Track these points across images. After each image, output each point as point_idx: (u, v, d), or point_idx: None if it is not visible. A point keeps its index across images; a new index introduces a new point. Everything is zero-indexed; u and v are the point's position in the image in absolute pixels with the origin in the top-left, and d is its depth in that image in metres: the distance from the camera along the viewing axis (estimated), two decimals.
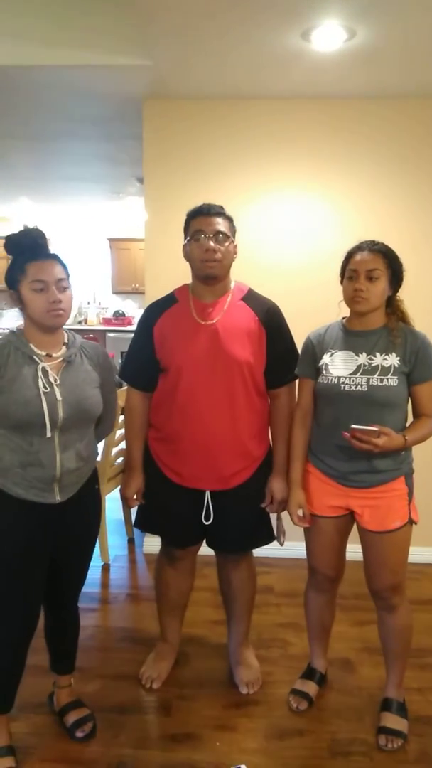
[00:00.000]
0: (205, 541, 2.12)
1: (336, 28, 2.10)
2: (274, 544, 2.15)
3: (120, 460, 3.23)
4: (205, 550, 2.14)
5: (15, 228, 1.72)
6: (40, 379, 1.63)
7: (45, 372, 1.65)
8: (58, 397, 1.65)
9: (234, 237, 1.94)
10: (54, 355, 1.69)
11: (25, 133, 3.71)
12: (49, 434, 1.64)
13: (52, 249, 1.72)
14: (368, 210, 2.95)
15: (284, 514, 2.13)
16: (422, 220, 2.95)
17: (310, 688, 2.16)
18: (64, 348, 1.73)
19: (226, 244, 1.88)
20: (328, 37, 2.17)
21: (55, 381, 1.66)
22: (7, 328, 7.36)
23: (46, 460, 1.66)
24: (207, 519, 2.00)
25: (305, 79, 2.62)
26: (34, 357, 1.66)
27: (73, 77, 2.63)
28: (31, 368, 1.65)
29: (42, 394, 1.62)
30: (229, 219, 1.93)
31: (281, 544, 2.14)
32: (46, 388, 1.63)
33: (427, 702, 2.15)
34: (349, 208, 2.97)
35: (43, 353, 1.68)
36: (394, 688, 2.05)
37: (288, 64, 2.46)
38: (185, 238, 1.93)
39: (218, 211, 1.91)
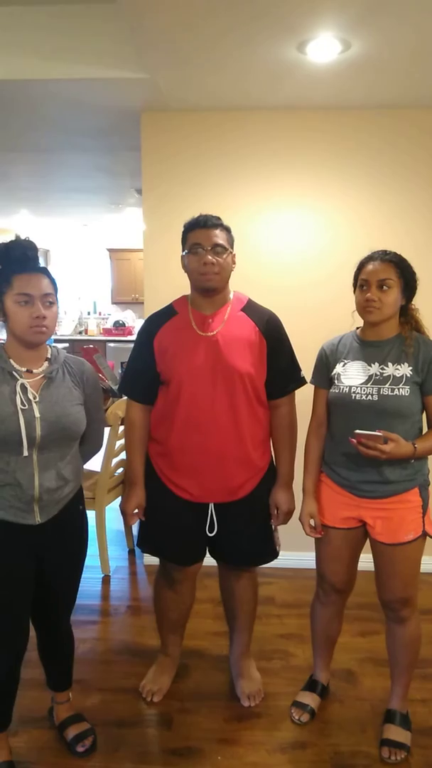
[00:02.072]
0: (208, 551, 2.10)
1: (331, 40, 2.12)
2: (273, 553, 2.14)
3: (120, 470, 3.23)
4: (206, 560, 2.13)
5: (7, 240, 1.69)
6: (18, 396, 1.59)
7: (24, 389, 1.61)
8: (36, 415, 1.60)
9: (232, 247, 1.93)
10: (35, 371, 1.65)
11: (24, 146, 3.74)
12: (26, 453, 1.59)
13: (53, 260, 1.70)
14: (370, 220, 2.96)
15: (279, 525, 2.12)
16: (424, 229, 2.95)
17: (313, 700, 2.14)
18: (45, 364, 1.68)
19: (224, 255, 1.87)
20: (324, 49, 2.18)
21: (34, 398, 1.61)
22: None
23: (24, 480, 1.61)
24: (211, 531, 1.98)
25: (302, 90, 2.64)
26: (14, 373, 1.62)
27: (71, 91, 2.65)
28: (9, 385, 1.60)
29: (19, 411, 1.58)
30: (227, 230, 1.92)
31: (276, 555, 2.12)
32: (24, 405, 1.58)
33: (431, 713, 2.13)
34: (350, 218, 2.97)
35: (23, 369, 1.63)
36: (399, 699, 2.03)
37: (284, 76, 2.47)
38: (183, 250, 1.92)
39: (215, 223, 1.89)
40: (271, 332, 1.95)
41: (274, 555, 2.10)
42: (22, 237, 1.65)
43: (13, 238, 1.66)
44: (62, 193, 5.64)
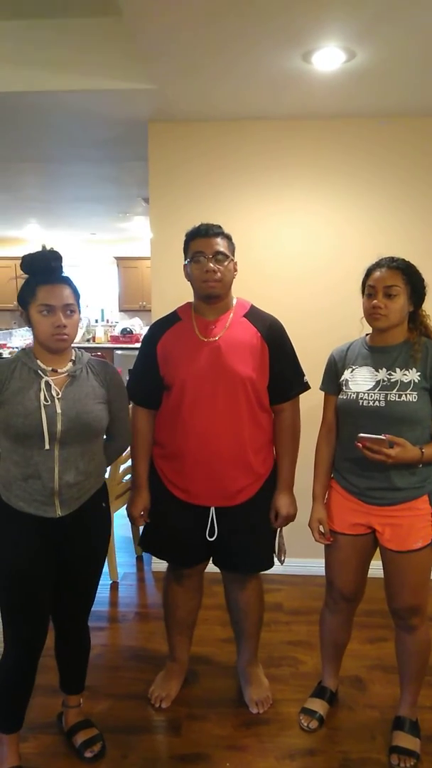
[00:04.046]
0: (212, 559, 2.11)
1: (335, 50, 2.14)
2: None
3: (127, 477, 3.24)
4: (213, 567, 2.14)
5: (32, 249, 1.75)
6: (42, 392, 1.68)
7: (48, 386, 1.69)
8: (58, 411, 1.67)
9: (233, 255, 1.96)
10: (60, 370, 1.73)
11: (33, 156, 3.78)
12: (47, 446, 1.67)
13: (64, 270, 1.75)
14: (375, 227, 2.96)
15: (285, 532, 2.12)
16: (430, 236, 2.96)
17: (321, 706, 2.13)
18: (70, 364, 1.77)
19: (226, 263, 1.90)
20: (329, 58, 2.21)
21: (57, 395, 1.69)
22: (17, 347, 7.46)
23: (45, 473, 1.68)
24: (211, 535, 1.99)
25: (308, 99, 2.66)
26: (39, 372, 1.71)
27: (79, 102, 2.69)
28: (35, 382, 1.69)
29: (42, 407, 1.66)
30: (228, 237, 1.95)
31: (281, 563, 2.11)
32: (47, 401, 1.67)
33: None
34: (356, 225, 2.98)
35: (49, 368, 1.72)
36: (408, 706, 2.02)
37: (289, 85, 2.50)
38: (185, 259, 1.96)
39: (216, 232, 1.92)
40: (274, 337, 1.97)
41: (271, 563, 2.09)
42: (47, 247, 1.74)
43: (38, 248, 1.74)
44: (70, 202, 5.70)
